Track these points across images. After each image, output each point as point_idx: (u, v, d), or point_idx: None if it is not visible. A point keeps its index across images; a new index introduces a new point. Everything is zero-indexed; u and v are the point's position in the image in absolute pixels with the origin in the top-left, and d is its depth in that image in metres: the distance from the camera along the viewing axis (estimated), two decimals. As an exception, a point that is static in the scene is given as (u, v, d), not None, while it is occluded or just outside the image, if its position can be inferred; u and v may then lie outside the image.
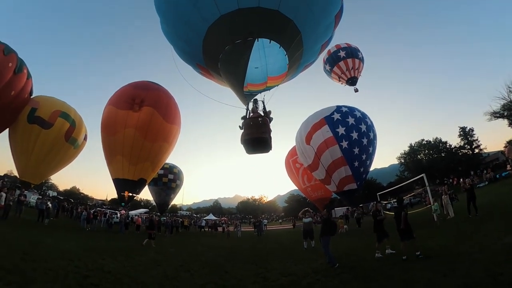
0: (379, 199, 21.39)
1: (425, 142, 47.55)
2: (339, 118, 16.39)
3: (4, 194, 12.18)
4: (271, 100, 8.94)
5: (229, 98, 8.97)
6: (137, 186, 16.36)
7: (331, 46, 21.48)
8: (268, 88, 9.50)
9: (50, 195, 39.36)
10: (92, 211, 18.87)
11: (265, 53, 8.33)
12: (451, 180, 32.27)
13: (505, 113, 30.48)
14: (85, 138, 17.76)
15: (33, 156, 14.93)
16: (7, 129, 15.18)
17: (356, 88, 23.52)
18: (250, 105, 8.36)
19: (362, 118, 16.77)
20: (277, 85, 9.60)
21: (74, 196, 56.07)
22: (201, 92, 9.35)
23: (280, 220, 60.89)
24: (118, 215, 22.46)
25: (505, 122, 31.48)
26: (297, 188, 25.56)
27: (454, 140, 57.62)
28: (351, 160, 15.87)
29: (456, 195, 16.83)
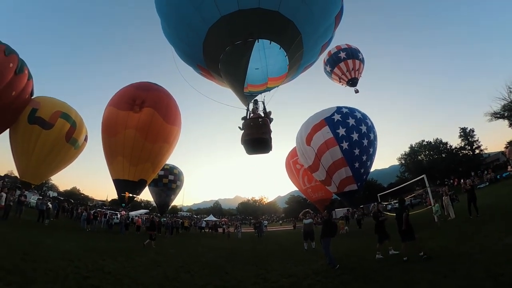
0: (379, 200, 21.37)
1: (426, 143, 47.56)
2: (340, 119, 16.40)
3: (4, 195, 12.21)
4: (272, 101, 8.94)
5: (229, 99, 8.99)
6: (138, 187, 16.35)
7: (332, 47, 21.52)
8: (269, 89, 9.50)
9: (51, 196, 39.35)
10: (92, 212, 18.88)
11: (265, 54, 8.34)
12: (451, 181, 32.26)
13: (506, 114, 30.47)
14: (85, 139, 17.77)
15: (33, 157, 14.94)
16: (8, 130, 15.19)
17: (357, 89, 23.54)
18: (251, 106, 8.37)
19: (363, 119, 16.77)
20: (278, 86, 9.61)
21: (74, 197, 56.12)
22: (202, 93, 9.36)
23: (280, 221, 60.83)
24: (119, 215, 22.48)
25: (505, 122, 31.51)
26: (297, 189, 25.54)
27: (454, 141, 57.60)
28: (352, 161, 15.86)
29: (456, 196, 16.81)
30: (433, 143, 46.63)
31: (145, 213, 39.24)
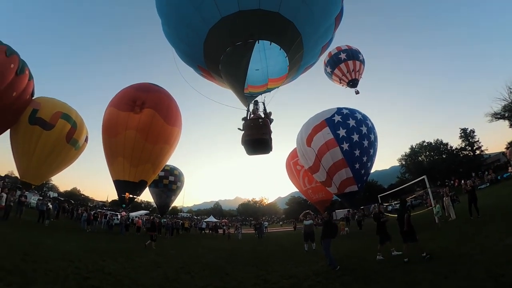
0: (380, 201, 21.34)
1: (426, 144, 47.46)
2: (340, 120, 16.40)
3: (5, 195, 12.21)
4: (272, 102, 8.96)
5: (229, 100, 9.00)
6: (138, 188, 16.35)
7: (332, 48, 21.56)
8: (269, 90, 9.52)
9: (51, 196, 39.37)
10: (92, 213, 18.86)
11: (265, 55, 8.36)
12: (452, 182, 32.19)
13: (506, 114, 30.45)
14: (86, 140, 17.79)
15: (34, 157, 14.97)
16: (9, 130, 15.23)
17: (357, 90, 23.56)
18: (251, 107, 8.39)
19: (363, 120, 16.77)
20: (278, 87, 9.63)
21: (74, 197, 56.15)
22: (202, 93, 9.39)
23: (280, 222, 60.71)
24: (119, 216, 22.45)
25: (506, 123, 31.48)
26: (298, 190, 25.53)
27: (455, 141, 57.56)
28: (352, 162, 15.85)
29: (457, 197, 16.77)
30: (433, 144, 46.54)
31: (146, 214, 39.28)
